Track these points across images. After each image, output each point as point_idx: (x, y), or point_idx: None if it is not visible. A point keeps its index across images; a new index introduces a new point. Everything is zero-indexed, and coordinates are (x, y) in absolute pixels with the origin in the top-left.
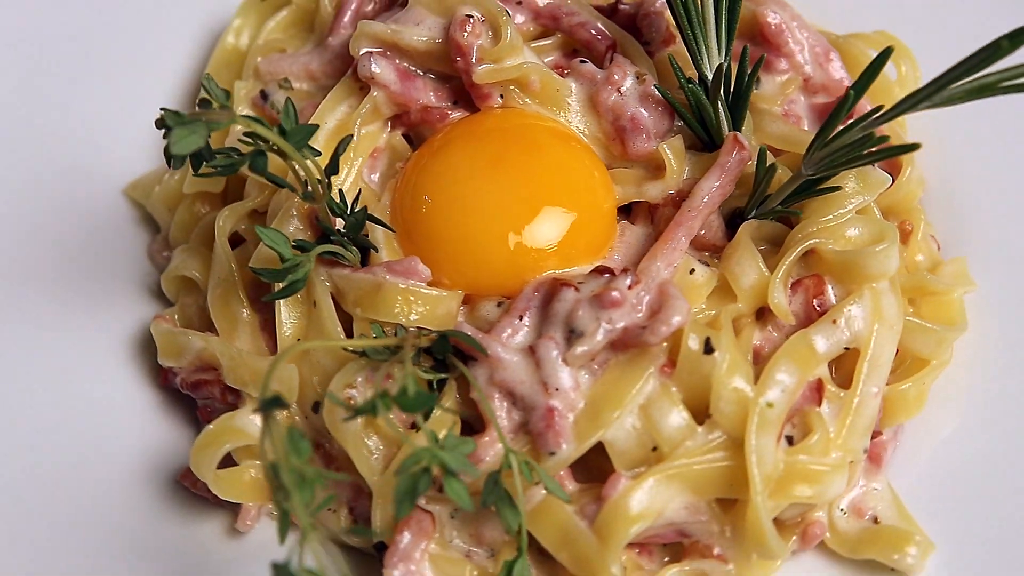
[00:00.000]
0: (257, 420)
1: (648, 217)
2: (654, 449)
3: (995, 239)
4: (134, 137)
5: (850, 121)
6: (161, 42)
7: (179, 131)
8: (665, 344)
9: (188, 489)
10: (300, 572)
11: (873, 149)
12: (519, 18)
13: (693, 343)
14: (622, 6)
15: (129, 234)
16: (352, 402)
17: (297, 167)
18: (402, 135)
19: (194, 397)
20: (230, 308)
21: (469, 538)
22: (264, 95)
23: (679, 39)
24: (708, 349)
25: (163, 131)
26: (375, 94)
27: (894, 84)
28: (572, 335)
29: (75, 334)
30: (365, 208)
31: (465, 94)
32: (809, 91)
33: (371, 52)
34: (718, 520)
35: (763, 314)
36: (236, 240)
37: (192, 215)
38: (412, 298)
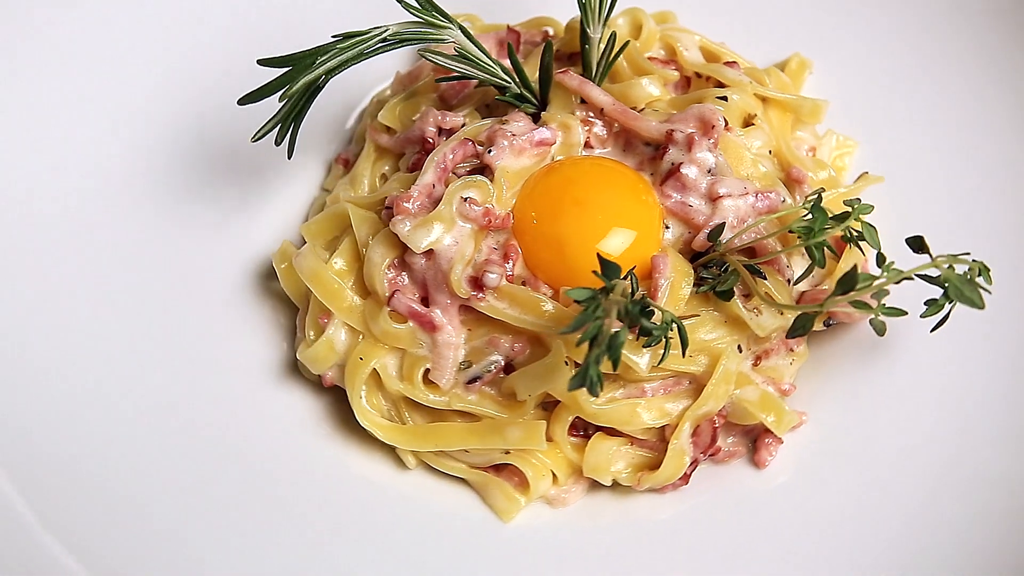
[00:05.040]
0: None
1: (600, 145)
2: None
3: None
4: None
5: None
6: None
7: None
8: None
9: None
10: None
11: None
12: (438, 188)
13: (730, 112)
14: (428, 129)
15: None
16: None
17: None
18: None
19: None
20: None
21: None
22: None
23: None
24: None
25: None
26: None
27: None
28: (711, 172)
29: None
30: (643, 293)
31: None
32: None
33: (477, 278)
34: None
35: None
36: None
37: None
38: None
